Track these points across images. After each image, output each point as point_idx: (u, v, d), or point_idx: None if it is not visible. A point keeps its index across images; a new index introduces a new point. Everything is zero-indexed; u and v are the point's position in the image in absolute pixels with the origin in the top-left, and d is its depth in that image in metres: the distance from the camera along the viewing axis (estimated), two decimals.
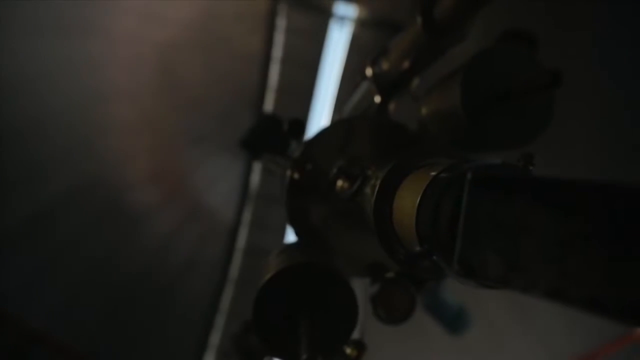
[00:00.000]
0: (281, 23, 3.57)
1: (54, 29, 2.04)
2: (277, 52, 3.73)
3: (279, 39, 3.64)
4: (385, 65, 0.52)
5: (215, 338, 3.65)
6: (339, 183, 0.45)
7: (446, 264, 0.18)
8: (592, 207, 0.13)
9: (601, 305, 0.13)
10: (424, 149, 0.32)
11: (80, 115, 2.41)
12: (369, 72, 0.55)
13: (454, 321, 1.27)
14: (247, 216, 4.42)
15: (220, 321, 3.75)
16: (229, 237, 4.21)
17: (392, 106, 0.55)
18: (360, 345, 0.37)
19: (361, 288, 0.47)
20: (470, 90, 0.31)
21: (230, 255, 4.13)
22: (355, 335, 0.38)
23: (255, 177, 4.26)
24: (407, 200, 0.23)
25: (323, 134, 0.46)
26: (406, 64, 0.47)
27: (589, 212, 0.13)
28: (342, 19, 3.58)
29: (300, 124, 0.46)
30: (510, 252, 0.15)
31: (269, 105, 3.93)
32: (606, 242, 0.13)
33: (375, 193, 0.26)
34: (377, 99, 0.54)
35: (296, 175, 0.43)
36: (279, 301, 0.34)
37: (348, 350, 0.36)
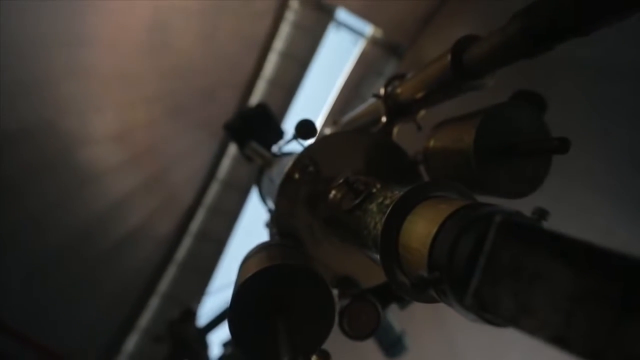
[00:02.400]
0: (289, 16, 3.54)
1: None
2: (279, 44, 3.69)
3: (284, 31, 3.62)
4: (399, 90, 0.54)
5: (144, 320, 3.42)
6: (334, 193, 0.45)
7: (456, 294, 0.20)
8: (606, 271, 0.15)
9: (600, 358, 0.14)
10: (435, 179, 0.33)
11: (47, 54, 2.17)
12: (382, 91, 0.56)
13: (393, 345, 1.32)
14: (207, 200, 4.26)
15: (154, 303, 3.53)
16: (183, 217, 4.01)
17: (395, 129, 0.57)
18: (324, 354, 0.37)
19: None
20: (484, 136, 0.33)
21: (180, 236, 3.93)
22: None
23: (226, 162, 4.13)
24: (420, 226, 0.24)
25: (329, 140, 0.46)
26: (420, 94, 0.49)
27: (602, 275, 0.15)
28: (353, 30, 3.68)
29: (311, 125, 0.46)
30: (524, 296, 0.16)
31: (258, 93, 3.86)
32: (613, 303, 0.14)
33: (388, 212, 0.26)
34: (384, 119, 0.56)
35: (296, 175, 0.43)
36: (257, 301, 0.33)
37: (313, 358, 0.36)
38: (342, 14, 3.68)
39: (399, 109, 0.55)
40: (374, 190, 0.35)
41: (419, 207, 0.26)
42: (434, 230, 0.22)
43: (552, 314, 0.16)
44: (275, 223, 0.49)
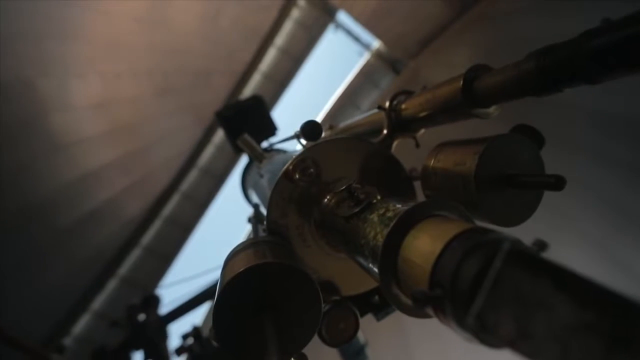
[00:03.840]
0: (294, 13, 3.53)
1: None
2: (280, 39, 3.67)
3: (287, 27, 3.60)
4: (404, 105, 0.55)
5: (98, 302, 3.23)
6: (330, 197, 0.46)
7: (456, 313, 0.20)
8: (602, 307, 0.16)
9: None
10: (439, 199, 0.34)
11: (31, 7, 2.02)
12: (386, 104, 0.58)
13: (355, 354, 1.33)
14: (184, 186, 4.14)
15: (111, 285, 3.36)
16: (156, 200, 3.87)
17: (395, 143, 0.58)
18: (302, 357, 0.37)
19: None
20: (485, 164, 0.35)
21: (150, 219, 3.78)
22: None
23: (209, 150, 4.03)
24: (424, 243, 0.25)
25: (333, 144, 0.46)
26: (424, 113, 0.51)
27: (599, 310, 0.16)
28: (356, 39, 3.73)
29: (317, 127, 0.46)
30: (524, 322, 0.17)
31: (252, 84, 3.81)
32: (607, 339, 0.16)
33: (393, 225, 0.27)
34: (385, 131, 0.57)
35: (296, 175, 0.43)
36: (244, 299, 0.32)
37: None
38: (347, 22, 3.74)
39: (400, 124, 0.57)
40: (374, 200, 0.36)
41: (423, 223, 0.26)
42: (439, 248, 0.23)
43: (550, 342, 0.17)
44: (265, 220, 0.48)
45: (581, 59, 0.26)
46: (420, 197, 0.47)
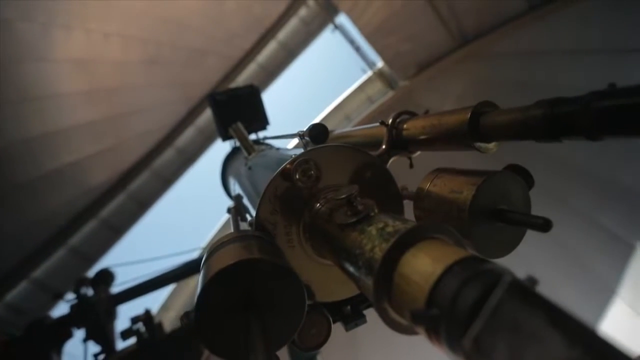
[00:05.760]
0: (302, 12, 3.53)
1: None
2: (282, 34, 3.65)
3: (292, 23, 3.59)
4: (406, 125, 0.57)
5: (40, 270, 2.97)
6: (323, 202, 0.46)
7: (451, 334, 0.21)
8: (590, 349, 0.18)
9: None
10: (441, 224, 0.35)
11: None
12: (389, 121, 0.59)
13: None
14: (157, 162, 3.96)
15: (59, 254, 3.11)
16: (123, 173, 3.66)
17: (391, 159, 0.60)
18: (275, 358, 0.36)
19: None
20: (481, 196, 0.36)
21: (114, 191, 3.57)
22: None
23: (190, 132, 3.89)
24: (424, 262, 0.25)
25: (339, 151, 0.46)
26: (425, 136, 0.52)
27: (586, 351, 0.18)
28: (357, 51, 3.80)
29: (324, 130, 0.46)
30: (517, 350, 0.18)
31: (246, 73, 3.74)
32: None
33: (395, 240, 0.27)
34: (384, 147, 0.58)
35: (297, 175, 0.42)
36: (228, 294, 0.31)
37: None
38: (352, 32, 3.80)
39: (399, 142, 0.58)
40: (372, 213, 0.36)
41: (424, 244, 0.27)
42: (440, 270, 0.23)
43: None
44: (255, 214, 0.47)
45: (586, 116, 0.29)
46: (408, 215, 0.48)
